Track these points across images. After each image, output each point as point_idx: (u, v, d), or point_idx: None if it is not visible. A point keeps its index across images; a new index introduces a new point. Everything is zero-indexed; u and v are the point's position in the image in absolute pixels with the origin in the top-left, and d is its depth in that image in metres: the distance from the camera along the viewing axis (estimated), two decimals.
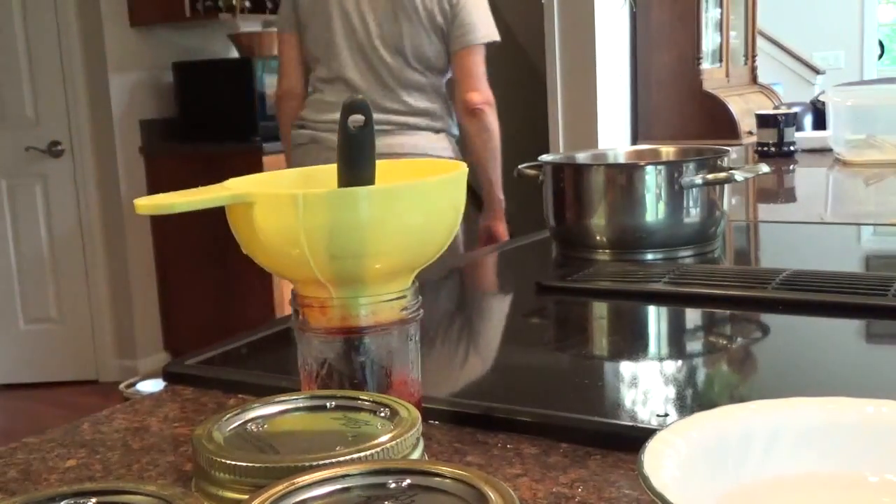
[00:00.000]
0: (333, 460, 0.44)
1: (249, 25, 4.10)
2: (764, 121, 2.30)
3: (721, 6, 4.71)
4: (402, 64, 2.19)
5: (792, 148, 2.28)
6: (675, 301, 0.97)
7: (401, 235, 0.55)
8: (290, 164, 2.39)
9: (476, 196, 2.35)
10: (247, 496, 0.41)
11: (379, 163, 0.58)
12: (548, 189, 1.22)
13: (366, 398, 0.52)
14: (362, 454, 0.45)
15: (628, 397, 0.71)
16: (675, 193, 1.13)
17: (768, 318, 0.90)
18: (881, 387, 0.71)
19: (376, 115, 2.08)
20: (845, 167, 2.09)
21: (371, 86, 2.20)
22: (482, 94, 2.20)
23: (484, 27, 2.20)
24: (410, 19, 2.16)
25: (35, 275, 3.92)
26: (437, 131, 2.24)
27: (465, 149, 2.30)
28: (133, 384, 3.62)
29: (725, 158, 1.17)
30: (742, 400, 0.51)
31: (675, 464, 0.44)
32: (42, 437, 0.67)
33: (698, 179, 1.13)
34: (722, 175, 1.14)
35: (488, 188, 2.29)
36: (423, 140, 2.20)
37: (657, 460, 0.44)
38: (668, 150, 1.32)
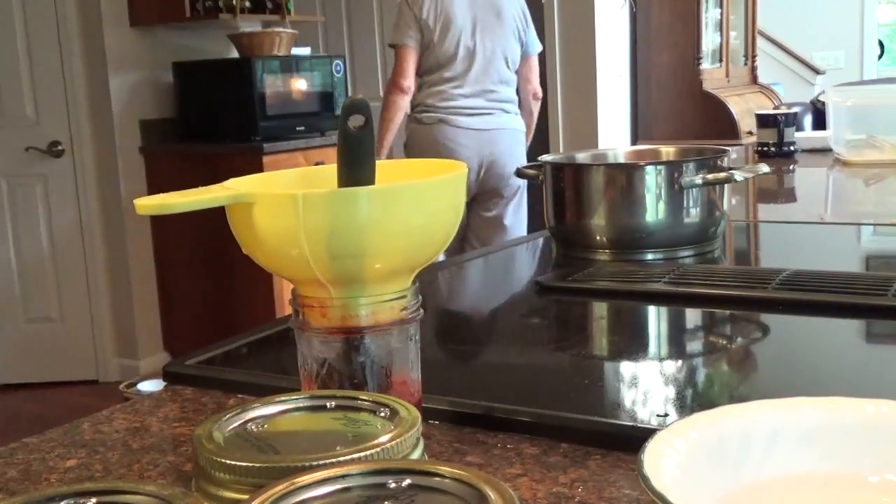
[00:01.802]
0: (333, 460, 0.44)
1: (249, 25, 4.09)
2: (764, 121, 2.30)
3: (721, 6, 4.72)
4: (503, 66, 3.19)
5: (792, 148, 2.27)
6: (675, 301, 0.97)
7: (401, 235, 0.55)
8: (404, 141, 3.25)
9: None
10: (247, 496, 0.41)
11: (379, 163, 0.58)
12: (548, 189, 1.22)
13: (366, 398, 0.52)
14: (362, 454, 0.45)
15: (628, 397, 0.71)
16: (675, 193, 1.13)
17: (768, 318, 0.90)
18: (881, 387, 0.71)
19: (485, 103, 3.34)
20: (845, 167, 2.09)
21: (482, 82, 3.14)
22: (540, 87, 3.45)
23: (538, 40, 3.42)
24: (511, 34, 3.20)
25: (35, 274, 3.92)
26: (516, 114, 3.29)
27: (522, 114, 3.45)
28: (133, 384, 3.61)
29: (725, 158, 1.17)
30: (742, 400, 0.51)
31: (675, 464, 0.44)
32: (42, 437, 0.67)
33: (698, 179, 1.13)
34: (722, 175, 1.14)
35: (528, 136, 3.43)
36: (513, 120, 3.24)
37: (657, 460, 0.44)
38: (668, 150, 1.32)
